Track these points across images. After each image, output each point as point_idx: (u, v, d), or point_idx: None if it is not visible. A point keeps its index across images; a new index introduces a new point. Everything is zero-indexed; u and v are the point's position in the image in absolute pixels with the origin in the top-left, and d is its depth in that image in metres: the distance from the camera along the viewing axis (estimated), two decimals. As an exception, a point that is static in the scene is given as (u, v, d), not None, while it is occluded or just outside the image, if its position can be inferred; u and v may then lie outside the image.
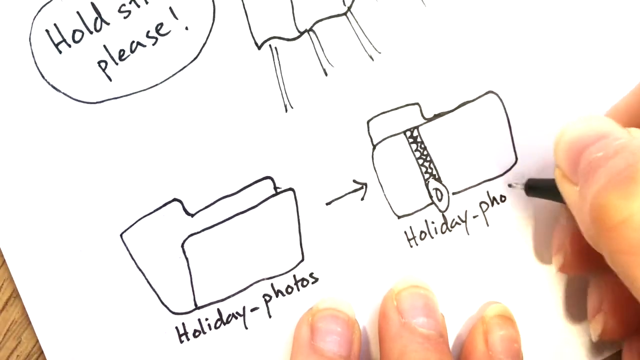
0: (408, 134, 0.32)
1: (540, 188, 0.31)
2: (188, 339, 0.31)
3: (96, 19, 0.30)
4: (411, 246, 0.32)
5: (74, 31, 0.30)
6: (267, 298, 0.31)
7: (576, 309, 0.33)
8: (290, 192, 0.31)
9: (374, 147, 0.32)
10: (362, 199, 0.32)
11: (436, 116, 0.32)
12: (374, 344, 0.32)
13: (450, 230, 0.32)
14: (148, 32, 0.30)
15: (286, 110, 0.31)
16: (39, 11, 0.29)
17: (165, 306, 0.31)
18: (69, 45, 0.30)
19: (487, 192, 0.32)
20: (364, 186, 0.32)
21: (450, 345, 0.31)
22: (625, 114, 0.28)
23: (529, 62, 0.32)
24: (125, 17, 0.30)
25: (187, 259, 0.30)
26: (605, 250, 0.22)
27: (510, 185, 0.32)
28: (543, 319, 0.33)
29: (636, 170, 0.21)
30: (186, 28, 0.30)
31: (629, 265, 0.21)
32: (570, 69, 0.32)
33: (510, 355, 0.30)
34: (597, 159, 0.23)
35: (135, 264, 0.30)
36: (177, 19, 0.30)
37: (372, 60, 0.31)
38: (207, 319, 0.31)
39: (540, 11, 0.32)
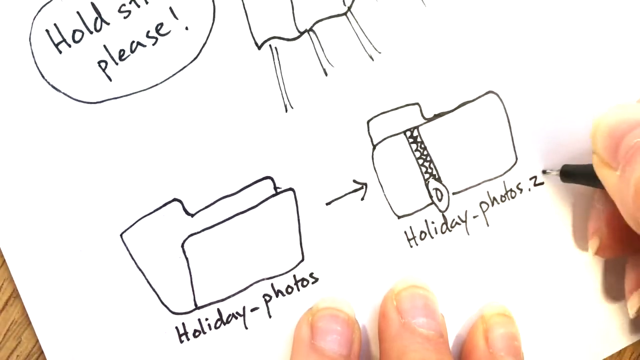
0: (408, 134, 0.32)
1: (577, 174, 0.31)
2: (188, 339, 0.31)
3: (96, 19, 0.30)
4: (411, 246, 0.32)
5: (74, 31, 0.30)
6: (267, 298, 0.31)
7: (579, 309, 0.33)
8: (290, 192, 0.31)
9: (374, 147, 0.32)
10: (362, 199, 0.32)
11: (436, 116, 0.32)
12: (373, 344, 0.32)
13: (450, 231, 0.32)
14: (148, 32, 0.30)
15: (286, 110, 0.31)
16: (39, 11, 0.29)
17: (165, 306, 0.31)
18: (69, 46, 0.30)
19: (487, 192, 0.32)
20: (364, 186, 0.32)
21: (450, 345, 0.31)
22: None
23: (529, 61, 0.32)
24: (125, 18, 0.30)
25: (187, 259, 0.30)
26: None
27: (544, 172, 0.32)
28: (545, 318, 0.33)
29: None
30: (186, 28, 0.30)
31: None
32: (570, 68, 0.32)
33: (511, 353, 0.30)
34: (638, 145, 0.24)
35: (135, 264, 0.30)
36: (177, 19, 0.30)
37: (372, 60, 0.31)
38: (207, 319, 0.31)
39: (540, 11, 0.32)
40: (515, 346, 0.31)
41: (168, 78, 0.30)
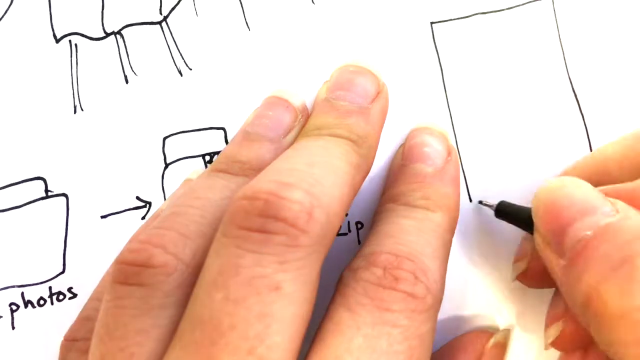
0: (207, 158, 0.30)
1: (513, 216, 0.28)
2: None
3: None
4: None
5: None
6: (14, 307, 0.29)
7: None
8: (63, 198, 0.29)
9: (167, 165, 0.30)
10: (143, 217, 0.30)
11: (241, 145, 0.30)
12: None
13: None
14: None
15: (75, 112, 0.29)
16: None
17: None
18: None
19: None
20: (148, 205, 0.30)
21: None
22: (593, 173, 0.28)
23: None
24: None
25: None
26: (598, 337, 0.22)
27: (481, 202, 0.30)
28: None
29: (634, 267, 0.21)
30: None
31: (625, 356, 0.21)
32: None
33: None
34: (587, 239, 0.22)
35: None
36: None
37: (181, 75, 0.30)
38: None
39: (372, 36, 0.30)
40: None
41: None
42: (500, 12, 0.29)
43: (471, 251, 0.29)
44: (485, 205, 0.29)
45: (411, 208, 0.26)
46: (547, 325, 0.28)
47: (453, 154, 0.28)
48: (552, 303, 0.29)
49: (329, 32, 0.30)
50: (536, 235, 0.25)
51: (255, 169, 0.26)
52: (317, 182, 0.23)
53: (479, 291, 0.28)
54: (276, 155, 0.26)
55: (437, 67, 0.29)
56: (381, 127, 0.27)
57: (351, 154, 0.25)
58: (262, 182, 0.22)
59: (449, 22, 0.29)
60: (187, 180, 0.29)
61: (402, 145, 0.29)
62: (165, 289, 0.22)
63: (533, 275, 0.28)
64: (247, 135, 0.28)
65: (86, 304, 0.27)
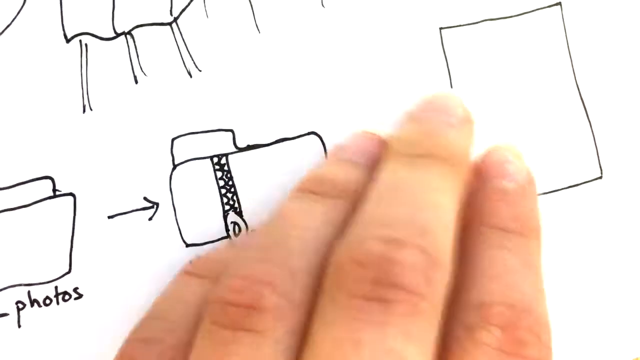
0: (215, 159, 0.30)
1: None
2: None
3: None
4: (194, 278, 0.30)
5: None
6: (20, 306, 0.29)
7: None
8: (70, 198, 0.29)
9: (175, 167, 0.30)
10: (150, 219, 0.30)
11: (249, 147, 0.30)
12: None
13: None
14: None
15: (84, 111, 0.29)
16: None
17: None
18: None
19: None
20: (155, 206, 0.29)
21: None
22: None
23: (350, 105, 0.30)
24: None
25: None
26: None
27: None
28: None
29: None
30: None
31: None
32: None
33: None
34: None
35: None
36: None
37: (191, 76, 0.30)
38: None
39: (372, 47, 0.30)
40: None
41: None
42: (509, 18, 0.29)
43: None
44: None
45: (504, 234, 0.23)
46: None
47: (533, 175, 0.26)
48: None
49: (338, 35, 0.30)
50: None
51: (349, 191, 0.24)
52: (425, 231, 0.21)
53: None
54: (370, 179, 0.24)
55: (446, 73, 0.29)
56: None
57: (453, 182, 0.23)
58: (368, 240, 0.20)
59: (457, 27, 0.30)
60: None
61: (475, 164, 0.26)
62: (276, 336, 0.20)
63: None
64: (339, 157, 0.26)
65: None
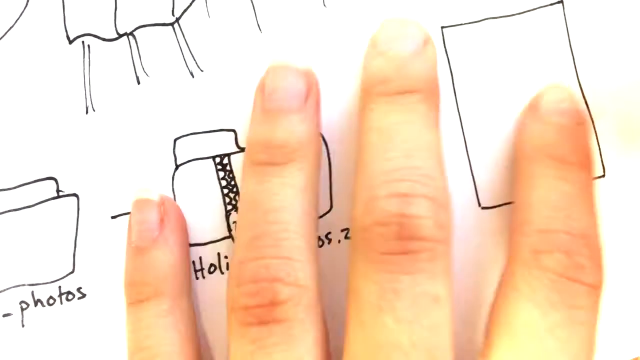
0: (217, 159, 0.30)
1: None
2: None
3: None
4: (197, 278, 0.30)
5: None
6: (24, 306, 0.29)
7: None
8: (74, 198, 0.29)
9: (177, 167, 0.30)
10: (153, 219, 0.30)
11: (251, 147, 0.30)
12: None
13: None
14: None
15: (87, 112, 0.29)
16: None
17: None
18: None
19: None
20: (158, 206, 0.30)
21: None
22: None
23: (352, 104, 0.30)
24: None
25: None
26: None
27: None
28: None
29: None
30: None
31: None
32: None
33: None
34: None
35: None
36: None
37: (193, 77, 0.30)
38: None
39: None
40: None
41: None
42: (511, 17, 0.29)
43: (479, 255, 0.29)
44: None
45: (564, 165, 0.25)
46: None
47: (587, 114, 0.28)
48: None
49: (340, 34, 0.30)
50: None
51: (296, 149, 0.26)
52: (425, 176, 0.23)
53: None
54: (307, 124, 0.26)
55: (448, 71, 0.29)
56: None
57: (434, 112, 0.25)
58: (381, 200, 0.23)
59: (459, 26, 0.30)
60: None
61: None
62: (300, 317, 0.23)
63: None
64: (269, 112, 0.27)
65: None
